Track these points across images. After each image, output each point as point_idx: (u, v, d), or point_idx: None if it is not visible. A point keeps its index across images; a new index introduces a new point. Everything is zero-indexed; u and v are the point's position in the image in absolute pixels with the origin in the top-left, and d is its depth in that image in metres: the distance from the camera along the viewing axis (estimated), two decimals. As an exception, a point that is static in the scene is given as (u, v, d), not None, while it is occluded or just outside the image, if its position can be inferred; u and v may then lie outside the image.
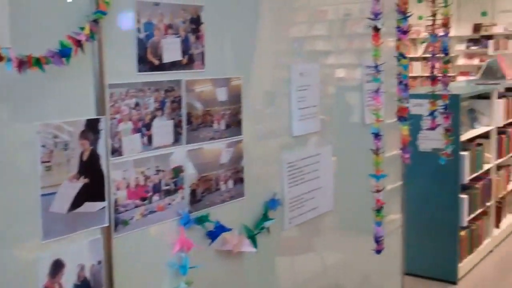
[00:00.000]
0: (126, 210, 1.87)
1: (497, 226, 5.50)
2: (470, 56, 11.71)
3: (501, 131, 5.45)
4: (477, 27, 11.24)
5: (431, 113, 3.36)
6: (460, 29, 11.26)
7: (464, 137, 4.76)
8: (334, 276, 3.04)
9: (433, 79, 3.37)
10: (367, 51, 3.17)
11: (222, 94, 2.23)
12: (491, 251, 5.29)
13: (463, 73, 11.33)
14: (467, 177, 4.70)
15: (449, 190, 4.66)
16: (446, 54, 3.38)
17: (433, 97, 3.37)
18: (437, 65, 3.35)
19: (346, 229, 3.14)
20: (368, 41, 3.26)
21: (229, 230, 2.22)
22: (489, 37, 10.67)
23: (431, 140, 4.47)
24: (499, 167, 5.48)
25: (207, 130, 2.16)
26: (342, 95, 3.12)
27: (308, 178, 2.72)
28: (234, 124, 2.29)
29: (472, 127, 5.12)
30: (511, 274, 4.97)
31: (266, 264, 2.56)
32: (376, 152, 2.56)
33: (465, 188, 4.79)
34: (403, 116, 2.65)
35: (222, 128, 2.23)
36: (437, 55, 3.32)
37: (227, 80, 2.25)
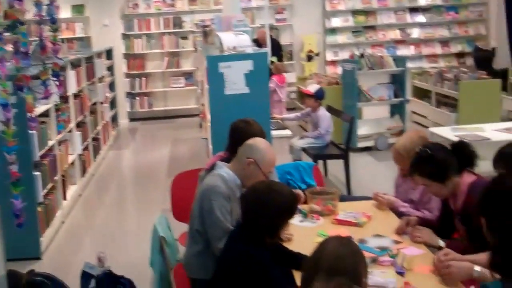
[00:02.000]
0: None
1: (65, 198, 5.82)
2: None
3: (57, 108, 5.72)
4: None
5: (43, 83, 3.36)
6: None
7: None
8: None
9: (42, 47, 3.37)
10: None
11: None
12: (63, 222, 5.59)
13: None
14: (37, 154, 4.84)
15: (23, 169, 4.70)
16: (54, 22, 3.43)
17: (44, 67, 3.37)
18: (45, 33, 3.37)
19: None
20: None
21: None
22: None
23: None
24: (60, 143, 5.77)
25: None
26: None
27: None
28: None
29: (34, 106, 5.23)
30: (82, 239, 5.39)
31: None
32: (7, 123, 2.50)
33: (36, 166, 4.91)
34: (23, 85, 2.63)
35: None
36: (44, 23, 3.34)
37: None
